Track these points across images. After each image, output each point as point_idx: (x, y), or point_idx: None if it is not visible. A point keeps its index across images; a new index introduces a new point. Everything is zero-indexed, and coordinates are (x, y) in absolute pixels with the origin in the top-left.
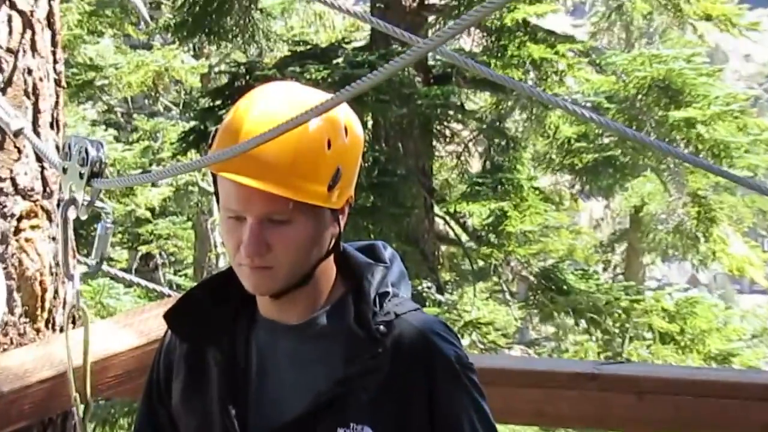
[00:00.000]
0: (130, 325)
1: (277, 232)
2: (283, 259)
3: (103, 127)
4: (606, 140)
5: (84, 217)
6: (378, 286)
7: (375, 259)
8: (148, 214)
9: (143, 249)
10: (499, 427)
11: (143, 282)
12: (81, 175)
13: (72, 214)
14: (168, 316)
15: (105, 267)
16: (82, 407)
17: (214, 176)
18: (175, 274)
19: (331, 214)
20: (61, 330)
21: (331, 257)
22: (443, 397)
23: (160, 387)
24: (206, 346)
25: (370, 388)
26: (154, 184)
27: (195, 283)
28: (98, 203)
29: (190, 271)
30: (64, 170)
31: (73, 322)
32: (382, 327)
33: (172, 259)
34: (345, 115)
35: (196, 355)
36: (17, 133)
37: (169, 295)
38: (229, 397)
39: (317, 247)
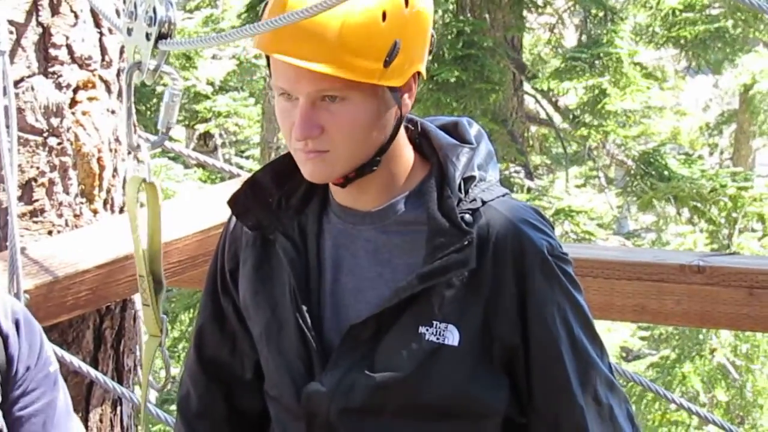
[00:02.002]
0: (193, 208)
1: (330, 111)
2: (338, 141)
3: None
4: (715, 11)
5: (150, 83)
6: (463, 169)
7: (459, 137)
8: (209, 90)
9: (201, 127)
10: (597, 323)
11: (210, 160)
12: (148, 36)
13: (136, 79)
14: (232, 202)
15: (167, 143)
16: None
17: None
18: (236, 154)
19: (392, 92)
20: (121, 211)
21: (405, 139)
22: (535, 291)
23: (225, 278)
24: (274, 233)
25: (455, 283)
26: (216, 57)
27: (261, 165)
28: (165, 67)
29: (255, 152)
30: (129, 31)
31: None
32: (468, 216)
33: (233, 138)
34: None
35: (265, 245)
36: None
37: (238, 175)
38: (301, 290)
39: (377, 129)
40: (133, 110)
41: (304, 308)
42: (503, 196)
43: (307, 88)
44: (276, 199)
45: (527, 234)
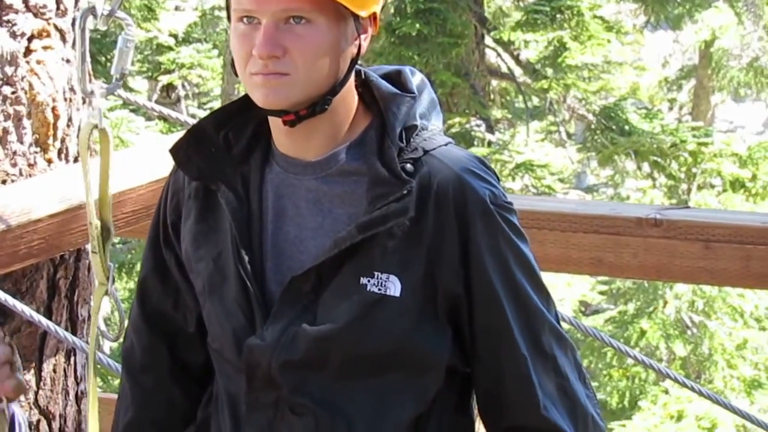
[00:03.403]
0: (148, 158)
1: (294, 33)
2: (300, 64)
3: None
4: None
5: (104, 28)
6: (404, 118)
7: (401, 87)
8: (171, 42)
9: (164, 79)
10: (554, 276)
11: (165, 111)
12: None
13: (90, 24)
14: (174, 151)
15: (126, 94)
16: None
17: None
18: (199, 107)
19: (354, 27)
20: (75, 161)
21: (352, 85)
22: (477, 240)
23: (167, 230)
24: (217, 183)
25: (396, 233)
26: (178, 8)
27: None
28: (119, 13)
29: (217, 104)
30: None
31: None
32: (408, 165)
33: (196, 90)
34: None
35: (207, 195)
36: None
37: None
38: (243, 241)
39: (336, 61)
40: (88, 56)
41: (246, 259)
42: (446, 144)
43: (275, 5)
44: (219, 148)
45: (469, 183)
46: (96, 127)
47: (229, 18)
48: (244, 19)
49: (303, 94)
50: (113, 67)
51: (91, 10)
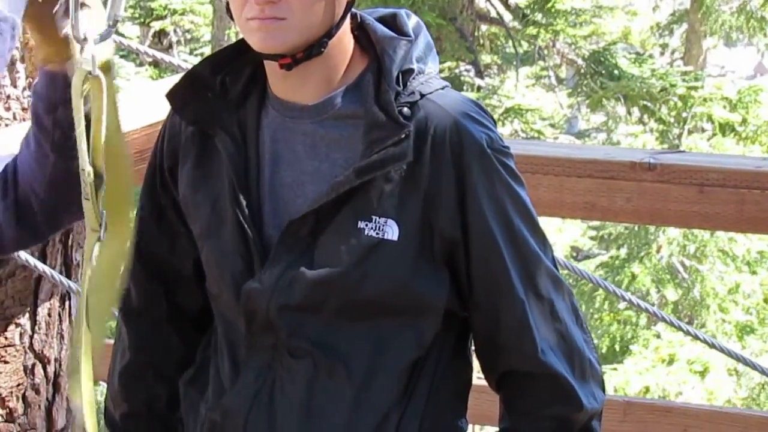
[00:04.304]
0: (141, 102)
1: None
2: (296, 8)
3: None
4: None
5: None
6: (401, 62)
7: (397, 30)
8: None
9: (156, 25)
10: (548, 219)
11: (159, 54)
12: None
13: None
14: (171, 96)
15: (119, 39)
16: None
17: None
18: (191, 53)
19: None
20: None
21: (348, 29)
22: (473, 183)
23: (164, 175)
24: (213, 129)
25: (393, 177)
26: None
27: None
28: None
29: (207, 50)
30: None
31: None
32: (405, 109)
33: (188, 36)
34: None
35: (204, 140)
36: None
37: (184, 69)
38: (240, 185)
39: (332, 5)
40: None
41: (244, 203)
42: (442, 88)
43: None
44: (215, 92)
45: (466, 126)
46: (89, 73)
47: None
48: None
49: (299, 37)
50: (106, 13)
51: None
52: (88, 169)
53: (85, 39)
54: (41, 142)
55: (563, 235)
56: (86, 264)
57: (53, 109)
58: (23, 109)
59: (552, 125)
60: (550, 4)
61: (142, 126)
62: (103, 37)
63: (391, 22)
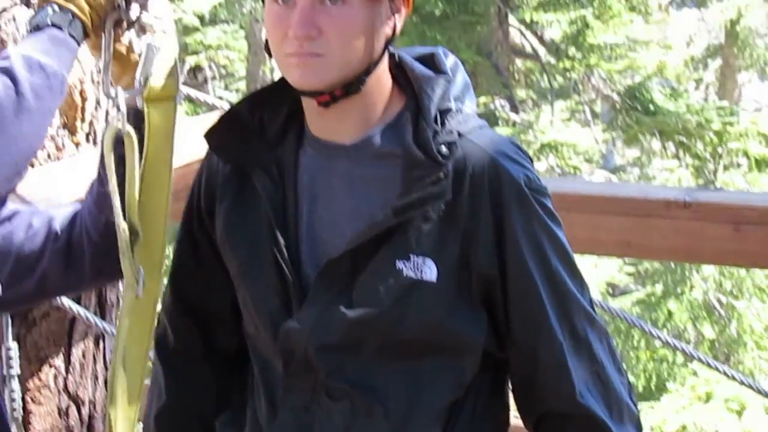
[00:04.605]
0: (174, 141)
1: (329, 14)
2: (335, 44)
3: None
4: None
5: (129, 32)
6: (439, 101)
7: (435, 69)
8: (197, 22)
9: (191, 60)
10: (583, 258)
11: (192, 92)
12: None
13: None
14: (209, 136)
15: None
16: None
17: None
18: (226, 88)
19: (388, 6)
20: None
21: (386, 67)
22: (512, 223)
23: (201, 215)
24: (251, 167)
25: (431, 216)
26: None
27: None
28: (147, 17)
29: (242, 85)
30: None
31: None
32: (444, 148)
33: (223, 72)
34: None
35: (242, 179)
36: None
37: (218, 107)
38: (278, 224)
39: (371, 42)
40: (110, 60)
41: (282, 242)
42: (480, 127)
43: None
44: (253, 132)
45: (504, 166)
46: (120, 130)
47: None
48: (279, 0)
49: (338, 74)
50: (138, 71)
51: (118, 10)
52: (123, 225)
53: (116, 96)
54: (103, 185)
55: (599, 271)
56: (121, 320)
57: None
58: (57, 149)
59: (587, 160)
60: (584, 39)
61: (175, 167)
62: (132, 95)
63: (429, 60)
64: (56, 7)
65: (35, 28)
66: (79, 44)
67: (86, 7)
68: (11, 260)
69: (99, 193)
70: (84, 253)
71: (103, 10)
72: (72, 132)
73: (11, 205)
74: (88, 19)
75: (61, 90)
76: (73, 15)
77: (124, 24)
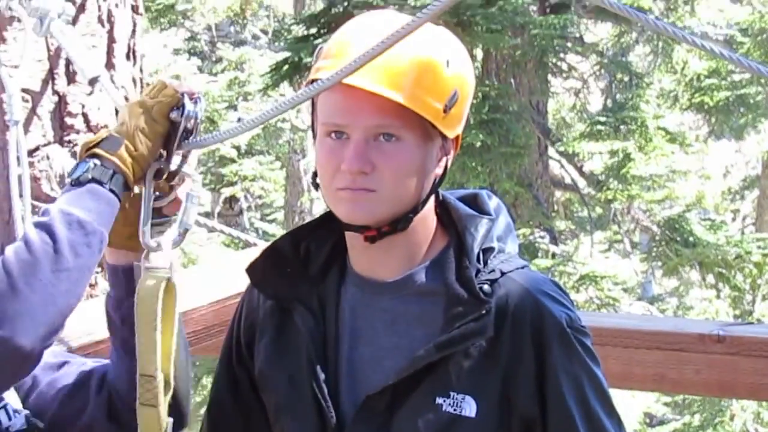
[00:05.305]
0: (209, 278)
1: (383, 151)
2: (387, 181)
3: (186, 56)
4: (738, 77)
5: (171, 182)
6: (482, 240)
7: (479, 209)
8: (234, 153)
9: (227, 191)
10: (617, 392)
11: (226, 229)
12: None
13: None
14: (251, 270)
15: None
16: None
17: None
18: (261, 219)
19: (440, 147)
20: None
21: (432, 207)
22: (553, 363)
23: (241, 349)
24: (293, 303)
25: (472, 353)
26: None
27: (284, 230)
28: (187, 169)
29: (279, 216)
30: None
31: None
32: (486, 286)
33: (259, 202)
34: (460, 47)
35: (283, 315)
36: (92, 82)
37: (255, 244)
38: (319, 360)
39: (422, 181)
40: (150, 211)
41: (322, 377)
42: (522, 268)
43: (367, 121)
44: (295, 268)
45: (546, 306)
46: (169, 279)
47: (314, 132)
48: (333, 134)
49: (388, 211)
50: (178, 222)
51: (159, 161)
52: (159, 376)
53: (158, 246)
54: (114, 342)
55: (637, 401)
56: None
57: (119, 305)
58: (90, 286)
59: (626, 290)
60: (624, 170)
61: (209, 302)
62: (175, 244)
63: (473, 201)
64: (98, 161)
65: (76, 181)
66: (120, 199)
67: (129, 159)
68: (54, 407)
69: (114, 352)
70: (120, 404)
71: (146, 162)
72: (102, 268)
73: (60, 353)
74: (130, 171)
75: (100, 248)
76: (115, 169)
77: (164, 175)
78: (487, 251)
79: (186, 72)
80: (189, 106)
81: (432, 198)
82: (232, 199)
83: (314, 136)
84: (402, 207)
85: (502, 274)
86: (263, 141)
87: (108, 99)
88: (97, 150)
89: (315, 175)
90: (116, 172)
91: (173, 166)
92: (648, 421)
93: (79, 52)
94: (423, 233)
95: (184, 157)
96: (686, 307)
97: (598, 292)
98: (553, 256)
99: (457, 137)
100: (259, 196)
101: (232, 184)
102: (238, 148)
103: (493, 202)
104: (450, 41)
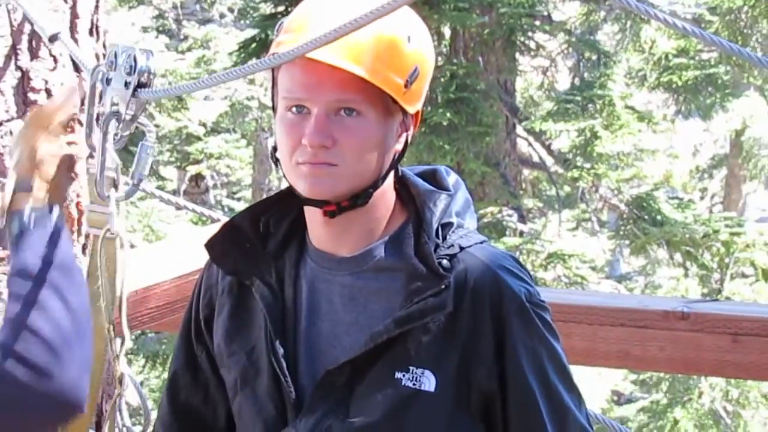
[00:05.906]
0: (172, 253)
1: (344, 125)
2: (348, 156)
3: (154, 33)
4: (707, 56)
5: (126, 134)
6: (441, 215)
7: (437, 185)
8: (201, 131)
9: (193, 169)
10: (582, 368)
11: (194, 207)
12: (126, 85)
13: (113, 128)
14: (210, 246)
15: (151, 188)
16: (117, 341)
17: (273, 70)
18: (228, 196)
19: (400, 122)
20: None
21: (391, 182)
22: (512, 337)
23: (199, 325)
24: (251, 279)
25: (431, 328)
26: (208, 98)
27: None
28: (142, 119)
29: (247, 194)
30: (107, 80)
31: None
32: (445, 261)
33: (225, 180)
34: (421, 23)
35: (241, 290)
36: (53, 38)
37: (218, 220)
38: (278, 335)
39: (382, 156)
40: (107, 161)
41: (280, 352)
42: (481, 243)
43: (328, 95)
44: (254, 243)
45: (505, 280)
46: (109, 230)
47: (274, 108)
48: (294, 108)
49: (347, 185)
50: (131, 173)
51: (115, 114)
52: (108, 326)
53: (108, 197)
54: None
55: (604, 379)
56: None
57: None
58: None
59: (593, 269)
60: (591, 148)
61: (172, 277)
62: (127, 196)
63: (431, 177)
64: (29, 208)
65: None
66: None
67: (45, 189)
68: None
69: None
70: None
71: (60, 178)
72: None
73: None
74: (53, 195)
75: (81, 280)
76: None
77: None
78: (445, 226)
79: (154, 50)
80: (141, 61)
81: (392, 174)
82: (198, 177)
83: (274, 112)
84: (362, 182)
85: (461, 249)
86: (230, 119)
87: (71, 75)
88: (16, 205)
89: (275, 149)
90: (49, 202)
91: (128, 116)
92: (616, 399)
93: (39, 14)
94: (382, 209)
95: (141, 108)
96: (654, 285)
97: (566, 270)
98: (521, 234)
99: (417, 113)
100: (226, 174)
101: (198, 162)
102: (204, 125)
103: (451, 178)
104: (411, 18)
